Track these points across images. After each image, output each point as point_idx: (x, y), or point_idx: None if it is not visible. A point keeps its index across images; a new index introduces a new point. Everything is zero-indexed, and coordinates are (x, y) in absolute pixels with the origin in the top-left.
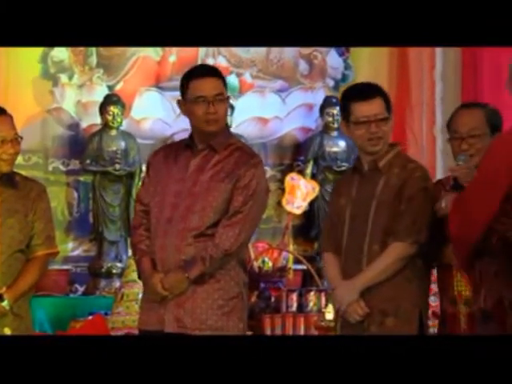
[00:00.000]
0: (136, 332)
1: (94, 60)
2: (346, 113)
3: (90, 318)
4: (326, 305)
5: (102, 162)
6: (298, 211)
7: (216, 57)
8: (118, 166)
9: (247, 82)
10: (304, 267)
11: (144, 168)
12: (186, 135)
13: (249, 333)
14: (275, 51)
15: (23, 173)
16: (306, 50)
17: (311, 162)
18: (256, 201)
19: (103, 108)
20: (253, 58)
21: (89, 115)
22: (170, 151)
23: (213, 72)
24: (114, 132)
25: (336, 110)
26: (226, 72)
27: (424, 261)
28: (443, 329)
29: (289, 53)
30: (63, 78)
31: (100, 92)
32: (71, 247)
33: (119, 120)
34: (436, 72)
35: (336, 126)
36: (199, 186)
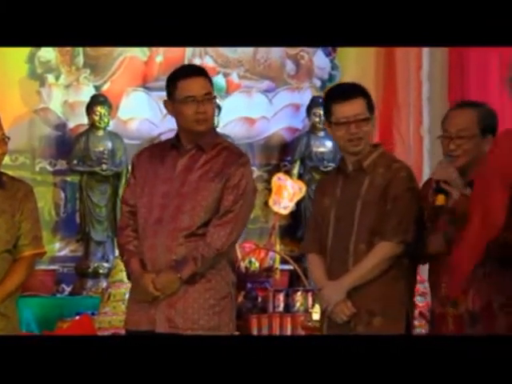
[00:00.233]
0: (123, 332)
1: (80, 60)
2: (327, 113)
3: (77, 318)
4: (313, 305)
5: (89, 163)
6: (285, 211)
7: (203, 57)
8: (104, 167)
9: (234, 82)
10: (291, 267)
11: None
12: (172, 135)
13: (235, 333)
14: (262, 51)
15: (10, 173)
16: (292, 51)
17: (298, 163)
18: (246, 200)
19: (90, 108)
20: (240, 58)
21: (76, 115)
22: (154, 151)
23: (200, 72)
24: (100, 132)
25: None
26: (213, 72)
27: (410, 260)
28: (432, 329)
29: (276, 53)
30: (50, 78)
31: (87, 92)
32: (58, 247)
33: (106, 120)
34: (423, 72)
35: (323, 126)
36: (188, 186)
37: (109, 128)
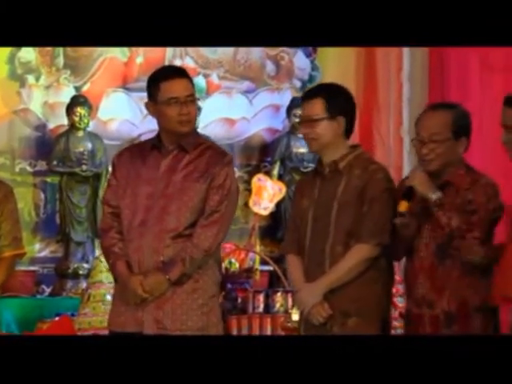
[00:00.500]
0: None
1: (61, 61)
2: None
3: (57, 318)
4: (293, 306)
5: (69, 163)
6: (265, 212)
7: (183, 58)
8: (84, 167)
9: (214, 82)
10: (271, 268)
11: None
12: (152, 136)
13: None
14: (242, 52)
15: None
16: (273, 51)
17: (278, 163)
18: (230, 199)
19: (70, 109)
20: (220, 58)
21: (56, 116)
22: (135, 152)
23: (183, 73)
24: (80, 133)
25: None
26: (194, 73)
27: (388, 261)
28: (408, 330)
29: (256, 54)
30: (30, 78)
31: (67, 93)
32: (38, 248)
33: (86, 121)
34: (403, 73)
35: None
36: (172, 187)
37: (89, 129)
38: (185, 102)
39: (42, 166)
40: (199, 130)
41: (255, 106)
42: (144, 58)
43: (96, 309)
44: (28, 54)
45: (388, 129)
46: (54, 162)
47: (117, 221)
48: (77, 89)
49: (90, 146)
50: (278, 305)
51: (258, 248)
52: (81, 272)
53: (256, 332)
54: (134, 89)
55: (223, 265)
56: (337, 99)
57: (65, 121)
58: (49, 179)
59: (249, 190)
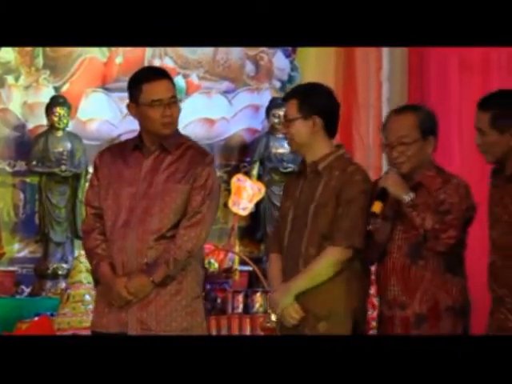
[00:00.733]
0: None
1: (40, 61)
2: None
3: (36, 319)
4: None
5: (48, 163)
6: (244, 212)
7: (163, 58)
8: (64, 167)
9: (194, 83)
10: (250, 268)
11: (90, 169)
12: (132, 136)
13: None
14: (222, 52)
15: None
16: (252, 52)
17: (257, 163)
18: (212, 200)
19: (49, 109)
20: (199, 59)
21: (35, 116)
22: (116, 152)
23: (165, 74)
24: (60, 133)
25: (282, 112)
26: (173, 73)
27: (363, 263)
28: (380, 332)
29: (235, 54)
30: (10, 79)
31: (46, 93)
32: (17, 248)
33: (65, 121)
34: (383, 73)
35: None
36: (155, 188)
37: (68, 129)
38: (168, 103)
39: (21, 166)
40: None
41: (235, 106)
42: (123, 58)
43: (75, 309)
44: (7, 54)
45: (367, 129)
46: (34, 163)
47: (99, 222)
48: (56, 89)
49: (69, 146)
50: (257, 305)
51: (237, 248)
52: (60, 272)
53: (235, 332)
54: (114, 89)
55: None
56: (311, 99)
57: (44, 121)
58: (28, 179)
59: (228, 190)
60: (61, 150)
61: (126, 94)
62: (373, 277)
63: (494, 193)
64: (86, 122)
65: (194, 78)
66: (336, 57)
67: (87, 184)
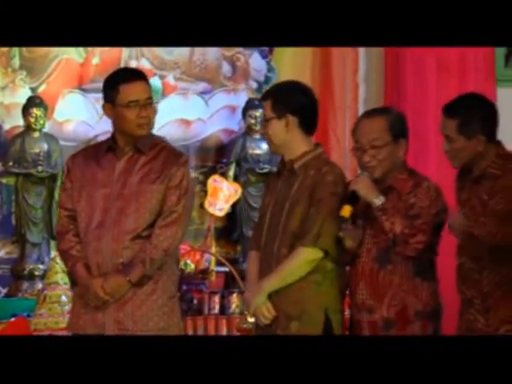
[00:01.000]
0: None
1: (16, 62)
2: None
3: (13, 319)
4: None
5: (25, 164)
6: (221, 213)
7: (139, 59)
8: (40, 168)
9: (170, 84)
10: (226, 269)
11: None
12: (107, 138)
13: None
14: (198, 53)
15: None
16: (229, 52)
17: (234, 164)
18: (187, 199)
19: (26, 110)
20: (176, 59)
21: (11, 117)
22: (89, 154)
23: (142, 76)
24: (36, 134)
25: (259, 113)
26: (150, 74)
27: (338, 263)
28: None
29: (212, 55)
30: None
31: (23, 94)
32: None
33: (42, 122)
34: (359, 73)
35: (258, 128)
36: (129, 189)
37: (45, 130)
38: (144, 104)
39: None
40: (155, 131)
41: (211, 107)
42: (100, 58)
43: (52, 310)
44: None
45: (344, 130)
46: (10, 163)
47: (73, 224)
48: (33, 90)
49: (45, 147)
50: (233, 306)
51: (213, 249)
52: (36, 273)
53: (212, 333)
54: (90, 90)
55: (179, 266)
56: (283, 97)
57: (21, 122)
58: (4, 180)
59: (204, 191)
60: (37, 150)
61: (102, 95)
62: None
63: (461, 194)
64: (63, 122)
65: (170, 79)
66: (312, 58)
67: None
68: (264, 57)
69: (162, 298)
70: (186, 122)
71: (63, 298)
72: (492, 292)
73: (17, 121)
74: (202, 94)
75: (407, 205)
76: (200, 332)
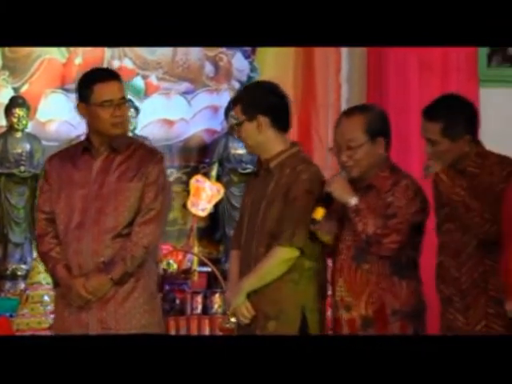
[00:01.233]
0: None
1: None
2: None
3: None
4: None
5: (7, 164)
6: (203, 213)
7: (122, 59)
8: (23, 168)
9: (153, 83)
10: (209, 269)
11: None
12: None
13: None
14: (181, 53)
15: None
16: (211, 52)
17: (216, 164)
18: (165, 196)
19: (8, 110)
20: (159, 59)
21: None
22: (65, 156)
23: (115, 75)
24: (19, 134)
25: None
26: (132, 74)
27: (317, 262)
28: (333, 332)
29: (195, 55)
30: None
31: (5, 94)
32: None
33: (24, 122)
34: (342, 73)
35: None
36: (107, 188)
37: (27, 130)
38: (118, 104)
39: None
40: (137, 132)
41: (194, 107)
42: (83, 58)
43: (34, 310)
44: None
45: (327, 130)
46: None
47: (52, 226)
48: (15, 90)
49: (28, 147)
50: (216, 306)
51: (196, 249)
52: (19, 273)
53: (194, 333)
54: (73, 90)
55: (161, 266)
56: (252, 99)
57: (3, 122)
58: None
59: (187, 191)
60: (20, 151)
61: None
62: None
63: (440, 195)
64: (46, 122)
65: (153, 79)
66: (295, 58)
67: None
68: (247, 57)
69: (143, 296)
70: (169, 122)
71: (46, 298)
72: (470, 290)
73: None
74: (184, 94)
75: (385, 203)
76: (182, 332)
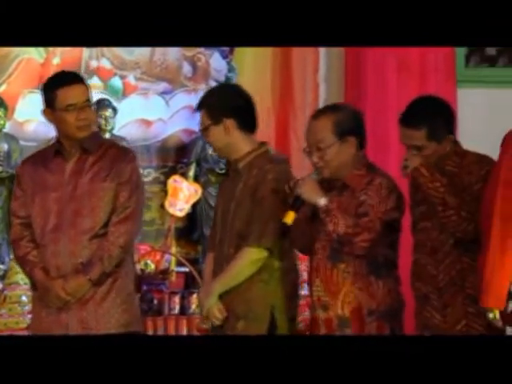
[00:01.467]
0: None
1: None
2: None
3: None
4: None
5: None
6: (181, 214)
7: (100, 59)
8: (0, 168)
9: (131, 84)
10: (186, 270)
11: None
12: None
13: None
14: (159, 53)
15: None
16: (189, 52)
17: (194, 165)
18: (139, 194)
19: None
20: (137, 59)
21: None
22: (37, 160)
23: (78, 78)
24: None
25: None
26: (110, 74)
27: (283, 261)
28: (311, 332)
29: (172, 55)
30: None
31: None
32: None
33: (2, 122)
34: (320, 73)
35: None
36: (80, 189)
37: (5, 130)
38: (82, 107)
39: None
40: (115, 132)
41: (172, 108)
42: (61, 58)
43: (12, 310)
44: None
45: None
46: None
47: (27, 230)
48: None
49: (5, 147)
50: (193, 306)
51: (173, 249)
52: None
53: (172, 333)
54: None
55: (138, 266)
56: (217, 103)
57: None
58: None
59: (165, 192)
60: None
61: None
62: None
63: (418, 194)
64: (23, 122)
65: (131, 79)
66: (273, 58)
67: None
68: (225, 57)
69: (121, 295)
70: (147, 122)
71: (23, 298)
72: (448, 287)
73: None
74: (162, 94)
75: (358, 202)
76: (160, 332)
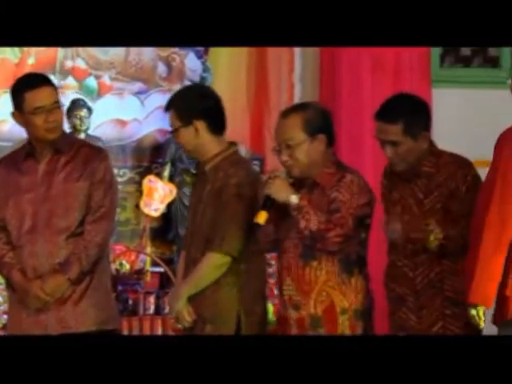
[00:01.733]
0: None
1: None
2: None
3: None
4: None
5: None
6: (156, 213)
7: (75, 59)
8: None
9: (106, 84)
10: (162, 270)
11: None
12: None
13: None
14: (134, 53)
15: None
16: (164, 52)
17: (169, 165)
18: (113, 192)
19: None
20: (112, 59)
21: None
22: (9, 163)
23: (46, 80)
24: None
25: None
26: (85, 74)
27: (250, 264)
28: (279, 332)
29: (147, 55)
30: None
31: None
32: None
33: None
34: (295, 73)
35: None
36: (55, 189)
37: None
38: (50, 109)
39: None
40: (90, 132)
41: (147, 108)
42: (35, 59)
43: None
44: None
45: None
46: None
47: (2, 233)
48: None
49: None
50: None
51: (148, 249)
52: None
53: (147, 333)
54: None
55: (113, 266)
56: (187, 105)
57: None
58: None
59: (140, 192)
60: None
61: None
62: None
63: (393, 194)
64: None
65: (106, 79)
66: (248, 58)
67: None
68: (199, 57)
69: (98, 292)
70: (122, 122)
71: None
72: (426, 290)
73: None
74: (137, 94)
75: (329, 199)
76: (135, 332)
